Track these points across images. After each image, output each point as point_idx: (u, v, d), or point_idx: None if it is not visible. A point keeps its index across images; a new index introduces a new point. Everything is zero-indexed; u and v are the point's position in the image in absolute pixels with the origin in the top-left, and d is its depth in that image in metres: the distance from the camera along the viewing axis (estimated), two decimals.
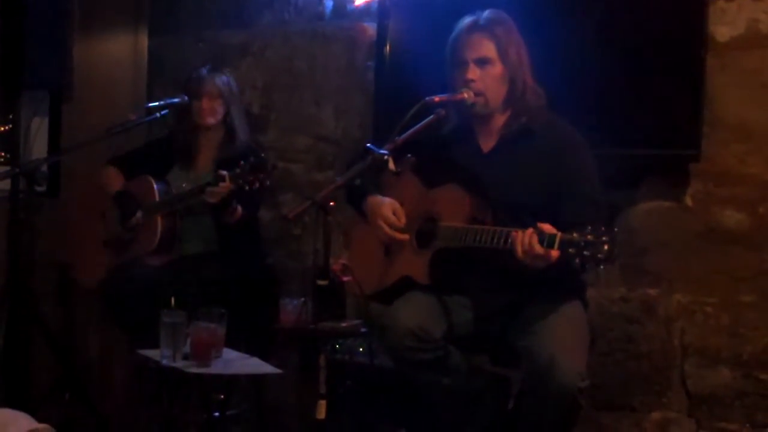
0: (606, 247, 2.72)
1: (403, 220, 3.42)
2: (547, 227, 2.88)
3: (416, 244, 3.37)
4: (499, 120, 3.37)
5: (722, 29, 3.79)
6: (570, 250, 2.78)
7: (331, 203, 3.09)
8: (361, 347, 3.89)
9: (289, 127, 4.83)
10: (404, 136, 3.20)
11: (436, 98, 3.27)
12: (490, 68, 3.29)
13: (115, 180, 4.37)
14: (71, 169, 4.72)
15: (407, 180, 3.49)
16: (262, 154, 4.27)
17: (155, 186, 4.21)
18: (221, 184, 3.81)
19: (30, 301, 4.20)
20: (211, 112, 4.27)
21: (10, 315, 4.14)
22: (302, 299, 3.82)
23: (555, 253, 2.84)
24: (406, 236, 3.40)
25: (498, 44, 3.28)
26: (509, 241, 2.97)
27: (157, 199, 4.19)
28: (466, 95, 3.28)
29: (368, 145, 3.26)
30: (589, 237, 2.74)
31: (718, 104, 3.78)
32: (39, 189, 4.38)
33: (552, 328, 3.10)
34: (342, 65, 4.70)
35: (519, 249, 2.92)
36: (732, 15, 3.78)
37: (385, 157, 3.16)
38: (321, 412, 3.10)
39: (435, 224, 3.31)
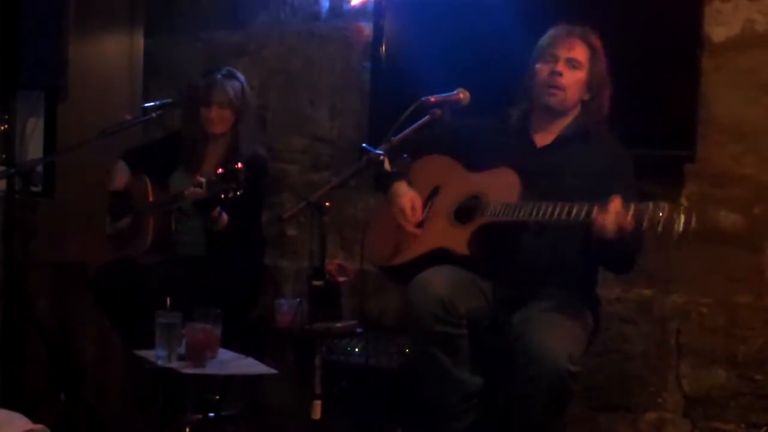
0: (683, 218, 2.82)
1: (420, 215, 3.45)
2: (618, 201, 2.95)
3: (454, 219, 3.39)
4: (562, 122, 3.44)
5: (718, 29, 3.80)
6: (644, 221, 2.87)
7: (327, 204, 3.09)
8: (356, 348, 3.89)
9: (285, 127, 4.82)
10: (400, 136, 3.20)
11: (432, 98, 3.28)
12: (577, 71, 3.39)
13: (119, 176, 4.38)
14: (67, 169, 4.72)
15: (441, 164, 3.53)
16: (263, 163, 4.27)
17: (150, 188, 4.20)
18: (192, 190, 3.82)
19: (25, 301, 4.19)
20: (220, 122, 4.22)
21: (6, 315, 4.13)
22: (298, 300, 3.82)
23: (631, 221, 2.92)
24: (418, 231, 3.43)
25: (591, 53, 3.40)
26: (580, 213, 3.01)
27: (152, 199, 4.18)
28: (461, 95, 3.29)
29: (364, 145, 3.26)
30: (664, 210, 2.84)
31: (714, 105, 3.79)
32: (34, 189, 4.37)
33: (545, 313, 3.17)
34: (338, 65, 4.70)
35: (612, 218, 2.94)
36: (728, 15, 3.78)
37: (381, 157, 3.16)
38: (316, 412, 3.10)
39: (480, 201, 3.33)
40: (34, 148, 4.78)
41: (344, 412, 3.75)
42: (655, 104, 3.81)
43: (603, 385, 3.95)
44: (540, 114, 3.47)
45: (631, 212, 2.90)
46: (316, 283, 3.15)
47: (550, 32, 3.46)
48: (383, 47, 4.44)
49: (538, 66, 3.42)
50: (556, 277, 3.28)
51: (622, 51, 3.80)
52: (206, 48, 5.01)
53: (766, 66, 3.74)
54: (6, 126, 4.65)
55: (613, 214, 2.95)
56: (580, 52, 3.40)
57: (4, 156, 4.65)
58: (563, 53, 3.39)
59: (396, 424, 3.70)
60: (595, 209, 2.98)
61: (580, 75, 3.40)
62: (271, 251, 4.60)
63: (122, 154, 4.45)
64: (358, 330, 3.86)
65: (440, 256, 3.32)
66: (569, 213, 3.05)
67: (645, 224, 2.85)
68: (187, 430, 3.59)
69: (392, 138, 3.20)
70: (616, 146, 3.41)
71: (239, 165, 3.71)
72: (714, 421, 3.79)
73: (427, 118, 3.26)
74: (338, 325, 3.83)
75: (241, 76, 4.31)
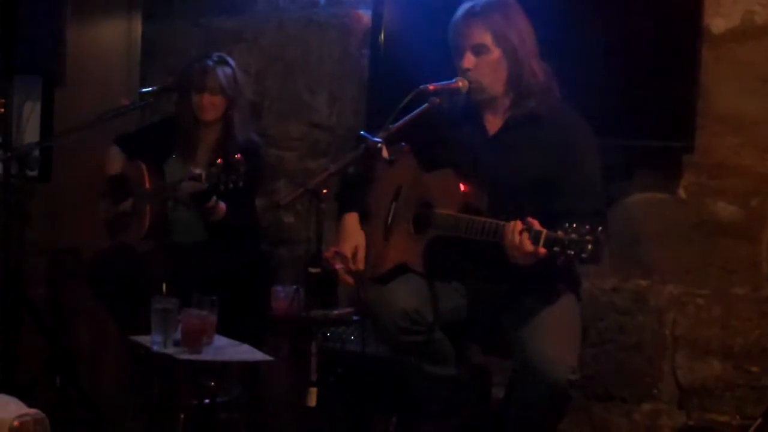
0: (589, 246, 2.69)
1: (361, 264, 3.40)
2: (536, 223, 2.86)
3: (413, 230, 3.36)
4: (505, 102, 3.33)
5: (717, 21, 3.79)
6: (555, 248, 2.76)
7: (324, 191, 3.08)
8: (352, 335, 3.89)
9: (283, 114, 4.81)
10: (398, 124, 3.18)
11: (431, 86, 3.25)
12: (485, 56, 3.25)
13: (115, 161, 4.37)
14: (63, 154, 4.71)
15: (404, 163, 3.47)
16: (258, 150, 4.27)
17: (147, 174, 4.20)
18: (192, 183, 3.82)
19: (21, 286, 4.19)
20: (212, 108, 4.21)
21: (1, 300, 4.13)
22: (294, 287, 3.81)
23: (542, 250, 2.82)
24: (351, 281, 3.40)
25: (494, 31, 3.23)
26: (498, 234, 2.96)
27: (148, 185, 4.18)
28: (460, 83, 3.26)
29: (362, 132, 3.25)
30: (573, 236, 2.72)
31: (713, 96, 3.79)
32: (31, 173, 4.36)
33: (544, 321, 3.10)
34: (336, 53, 4.69)
35: (508, 243, 2.90)
36: (727, 7, 3.78)
37: (379, 145, 3.15)
38: (312, 399, 3.10)
39: (430, 210, 3.29)
40: (30, 132, 4.77)
41: (340, 399, 3.74)
42: (654, 95, 3.80)
43: (598, 376, 3.95)
44: (481, 102, 3.35)
45: (543, 238, 2.80)
46: (313, 270, 3.14)
47: (453, 18, 3.33)
48: (382, 34, 4.43)
49: (454, 61, 3.32)
50: (530, 272, 3.07)
51: (622, 42, 3.81)
52: (204, 34, 5.00)
53: (766, 58, 3.73)
54: (2, 110, 4.63)
55: (508, 240, 2.90)
56: (482, 35, 3.24)
57: (0, 140, 4.64)
58: (466, 42, 3.26)
59: (392, 411, 3.70)
60: (501, 228, 2.94)
61: (491, 57, 3.24)
62: (267, 238, 4.60)
63: (116, 138, 4.44)
64: (355, 317, 3.85)
65: (404, 271, 3.30)
66: (485, 233, 3.00)
67: (557, 251, 2.76)
68: (182, 416, 3.59)
69: (390, 126, 3.18)
70: (571, 126, 3.25)
71: (238, 156, 3.71)
72: (709, 413, 3.79)
73: (425, 106, 3.24)
74: (335, 312, 3.83)
75: (232, 61, 4.30)
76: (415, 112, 3.22)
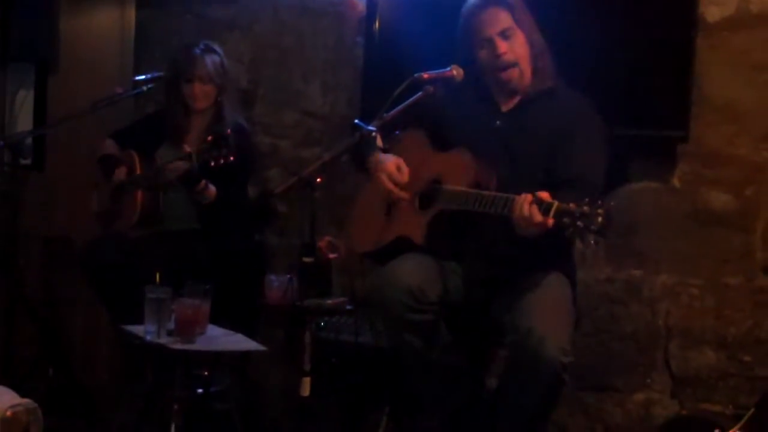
0: (600, 219, 2.71)
1: (407, 177, 3.38)
2: (545, 195, 2.87)
3: (418, 205, 3.36)
4: (522, 81, 3.35)
5: (712, 9, 3.79)
6: (565, 219, 2.77)
7: (318, 180, 3.07)
8: (346, 325, 3.89)
9: (277, 102, 4.80)
10: (392, 112, 3.18)
11: (425, 75, 3.24)
12: (513, 38, 3.29)
13: (108, 150, 4.36)
14: (56, 142, 4.70)
15: (415, 141, 3.48)
16: (247, 132, 4.26)
17: (138, 162, 4.19)
18: (176, 163, 3.81)
19: (14, 274, 4.18)
20: (203, 97, 4.20)
21: None
22: (288, 276, 3.81)
23: (550, 221, 2.83)
24: (406, 194, 3.37)
25: (512, 11, 3.29)
26: (508, 206, 2.97)
27: (139, 173, 4.17)
28: (455, 72, 3.26)
29: (356, 121, 3.24)
30: (584, 208, 2.73)
31: (707, 85, 3.78)
32: (24, 162, 4.35)
33: (536, 303, 3.10)
34: (330, 41, 4.67)
35: (517, 214, 2.91)
36: None
37: (373, 133, 3.15)
38: (305, 389, 3.10)
39: (438, 186, 3.30)
40: (23, 120, 4.77)
41: (333, 389, 3.75)
42: (649, 84, 3.79)
43: (592, 366, 3.96)
44: (498, 84, 3.38)
45: (553, 209, 2.81)
46: (307, 259, 3.13)
47: (467, 11, 3.35)
48: (376, 22, 4.41)
49: (480, 54, 3.33)
50: (527, 255, 3.16)
51: (616, 30, 3.80)
52: (198, 21, 4.98)
53: (760, 46, 3.73)
54: None
55: (517, 210, 2.91)
56: (505, 19, 3.28)
57: None
58: (492, 30, 3.28)
59: (385, 401, 3.71)
60: (512, 200, 2.95)
61: (518, 38, 3.29)
62: (261, 227, 4.59)
63: (110, 134, 4.43)
64: (348, 307, 3.85)
65: (404, 245, 3.31)
66: (495, 206, 3.01)
67: (566, 222, 2.76)
68: (176, 405, 3.58)
69: (384, 114, 3.17)
70: (580, 102, 3.31)
71: (228, 131, 3.71)
72: (702, 402, 3.80)
73: (420, 94, 3.23)
74: (328, 302, 3.83)
75: (219, 49, 4.29)
76: (409, 100, 3.21)
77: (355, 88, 4.56)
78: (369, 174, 3.47)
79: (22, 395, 2.80)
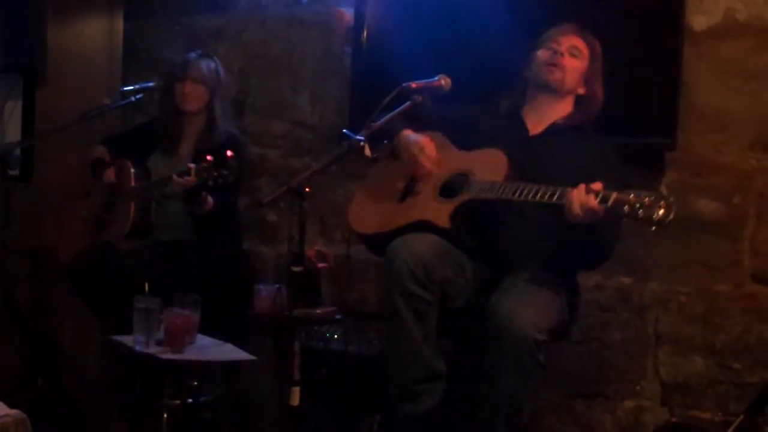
0: (662, 211, 2.79)
1: (434, 152, 3.49)
2: (598, 186, 2.97)
3: (440, 194, 3.41)
4: (555, 110, 3.49)
5: (699, 18, 3.80)
6: (625, 208, 2.85)
7: (307, 189, 3.07)
8: (335, 334, 3.89)
9: (266, 112, 4.80)
10: (380, 122, 3.19)
11: (413, 84, 3.26)
12: (577, 60, 3.47)
13: (100, 155, 4.36)
14: (45, 153, 4.68)
15: (437, 140, 3.54)
16: (242, 143, 4.26)
17: (131, 170, 4.19)
18: (186, 178, 3.80)
19: (2, 285, 4.17)
20: (194, 97, 4.22)
21: None
22: (277, 285, 3.81)
23: (602, 207, 2.93)
24: (434, 168, 3.46)
25: (590, 50, 3.50)
26: (557, 195, 3.04)
27: (133, 183, 4.16)
28: (443, 81, 3.28)
29: (344, 131, 3.25)
30: (645, 199, 2.81)
31: (695, 93, 3.80)
32: (12, 173, 4.35)
33: (517, 287, 3.19)
34: (319, 50, 4.68)
35: (576, 201, 2.97)
36: (709, 4, 3.79)
37: (361, 143, 3.15)
38: (295, 398, 3.09)
39: (466, 178, 3.36)
40: (11, 131, 4.75)
41: (323, 398, 3.74)
42: (636, 92, 3.81)
43: (581, 373, 3.96)
44: (534, 99, 3.51)
45: (612, 198, 2.90)
46: (296, 269, 3.12)
47: (554, 28, 3.52)
48: (365, 32, 4.42)
49: (538, 53, 3.48)
50: (535, 259, 3.29)
51: (603, 38, 3.80)
52: (186, 32, 4.99)
53: (747, 55, 3.74)
54: None
55: (575, 197, 2.98)
56: (582, 45, 3.48)
57: None
58: (566, 41, 3.46)
59: (374, 410, 3.70)
60: (566, 190, 3.02)
61: (580, 64, 3.47)
62: (250, 236, 4.59)
63: (102, 139, 4.43)
64: (338, 316, 3.86)
65: (422, 229, 3.33)
66: (544, 195, 3.08)
67: (626, 210, 2.84)
68: (165, 415, 3.58)
69: (372, 124, 3.18)
70: (603, 145, 3.45)
71: (230, 154, 3.71)
72: (692, 409, 3.80)
73: (407, 104, 3.25)
74: (317, 311, 3.83)
75: (216, 59, 4.35)
76: (397, 109, 3.23)
77: (344, 98, 4.56)
78: (394, 150, 3.54)
79: (11, 406, 2.78)
